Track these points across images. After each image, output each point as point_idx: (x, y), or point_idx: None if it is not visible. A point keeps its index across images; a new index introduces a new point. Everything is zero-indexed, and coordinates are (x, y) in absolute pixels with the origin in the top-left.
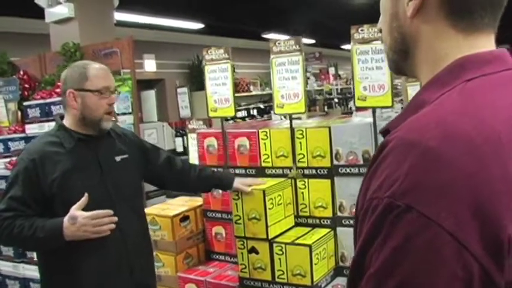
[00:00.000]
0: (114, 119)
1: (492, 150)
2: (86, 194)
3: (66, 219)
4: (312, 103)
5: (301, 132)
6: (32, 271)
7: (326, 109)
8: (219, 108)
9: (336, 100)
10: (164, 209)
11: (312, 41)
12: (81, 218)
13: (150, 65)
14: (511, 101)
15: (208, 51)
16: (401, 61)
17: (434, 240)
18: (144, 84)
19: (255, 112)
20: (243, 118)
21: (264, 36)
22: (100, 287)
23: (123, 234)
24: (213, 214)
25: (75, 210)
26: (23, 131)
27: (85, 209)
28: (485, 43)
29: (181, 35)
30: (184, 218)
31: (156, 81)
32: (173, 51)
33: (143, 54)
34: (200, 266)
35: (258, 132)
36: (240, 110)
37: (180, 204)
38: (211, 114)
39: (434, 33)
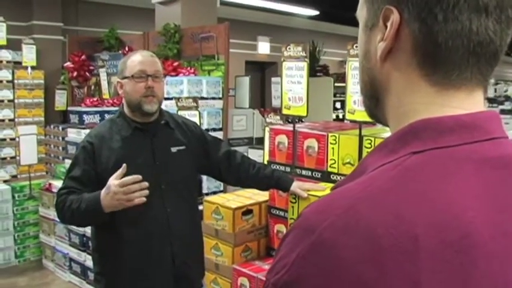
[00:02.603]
0: (156, 102)
1: (399, 258)
2: (124, 165)
3: (103, 189)
4: None
5: (369, 141)
6: None
7: None
8: (292, 107)
9: None
10: (229, 200)
11: None
12: (113, 186)
13: (263, 47)
14: (455, 188)
15: (287, 48)
16: (373, 108)
17: None
18: (257, 66)
19: None
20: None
21: None
22: (142, 273)
23: (169, 223)
24: (277, 211)
25: (111, 180)
26: (120, 105)
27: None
28: (463, 102)
29: (298, 19)
30: (248, 211)
31: (268, 64)
32: (288, 35)
33: (257, 36)
34: (257, 261)
35: (328, 135)
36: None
37: (248, 196)
38: (285, 111)
39: (405, 83)
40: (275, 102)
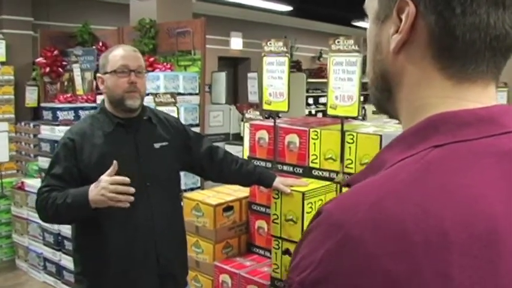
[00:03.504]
0: (138, 98)
1: (430, 253)
2: (115, 162)
3: (93, 183)
4: None
5: (351, 137)
6: None
7: None
8: (273, 102)
9: None
10: (209, 196)
11: None
12: (103, 181)
13: (236, 43)
14: (477, 182)
15: (268, 43)
16: (384, 100)
17: None
18: (230, 62)
19: None
20: (324, 104)
21: (354, 23)
22: (126, 272)
23: (154, 220)
24: (258, 207)
25: (104, 175)
26: (94, 101)
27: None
28: (479, 95)
29: (271, 15)
30: (228, 208)
31: (242, 59)
32: (262, 31)
33: (230, 32)
34: (239, 258)
35: (309, 130)
36: (322, 96)
37: (228, 192)
38: (265, 106)
39: (419, 75)
40: (252, 98)
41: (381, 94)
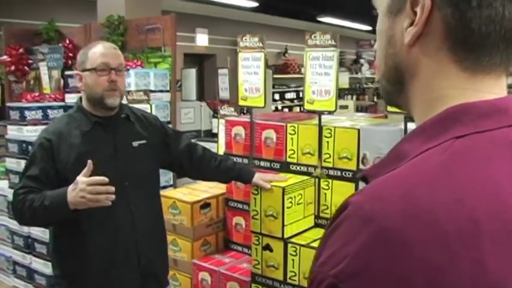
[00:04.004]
0: (118, 96)
1: (464, 241)
2: (90, 161)
3: (71, 185)
4: (361, 92)
5: (329, 131)
6: None
7: (375, 99)
8: (249, 98)
9: None
10: (186, 194)
11: (368, 28)
12: (80, 183)
13: (201, 39)
14: (500, 172)
15: (243, 38)
16: (395, 93)
17: None
18: (195, 58)
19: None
20: (291, 100)
21: (319, 19)
22: (108, 273)
23: (134, 220)
24: (235, 204)
25: (79, 177)
26: (63, 100)
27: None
28: (493, 87)
29: (236, 11)
30: (205, 205)
31: (207, 56)
32: (227, 27)
33: (196, 28)
34: (217, 255)
35: (286, 126)
36: (288, 92)
37: (204, 190)
38: (241, 102)
39: (435, 68)
40: (223, 94)
41: (393, 87)
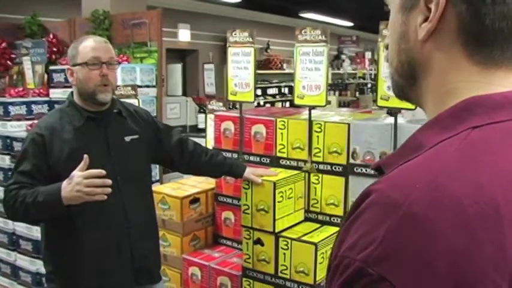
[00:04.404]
0: (110, 91)
1: (487, 226)
2: (86, 156)
3: (65, 180)
4: (343, 87)
5: (319, 126)
6: None
7: (358, 94)
8: (239, 93)
9: (369, 85)
10: (175, 189)
11: (350, 24)
12: (76, 177)
13: (184, 34)
14: None
15: (233, 33)
16: (407, 87)
17: None
18: (177, 54)
19: (286, 90)
20: (273, 95)
21: (301, 15)
22: (100, 269)
23: (127, 215)
24: (224, 199)
25: (75, 171)
26: (47, 95)
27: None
28: (503, 80)
29: (218, 6)
30: (195, 200)
31: (189, 51)
32: (209, 23)
33: (178, 24)
34: (206, 250)
35: (276, 120)
36: (271, 87)
37: (193, 184)
38: (231, 97)
39: (448, 62)
40: (208, 89)
41: (405, 81)
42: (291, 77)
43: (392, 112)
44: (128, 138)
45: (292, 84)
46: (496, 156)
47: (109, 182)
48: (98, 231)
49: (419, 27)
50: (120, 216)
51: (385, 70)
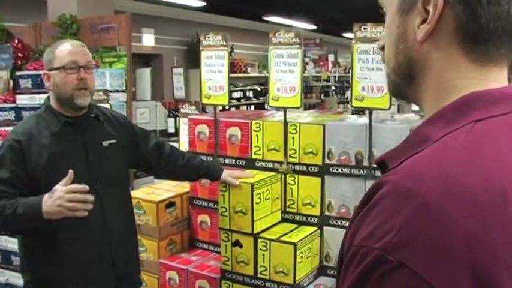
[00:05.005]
0: (88, 95)
1: (496, 212)
2: (71, 171)
3: (46, 194)
4: (308, 90)
5: (294, 127)
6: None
7: (322, 97)
8: (213, 96)
9: (333, 88)
10: (150, 193)
11: (313, 27)
12: (58, 191)
13: (148, 39)
14: None
15: (206, 37)
16: (405, 86)
17: None
18: (142, 59)
19: (251, 94)
20: (238, 99)
21: (265, 18)
22: (82, 277)
23: (106, 222)
24: (200, 202)
25: (58, 185)
26: (14, 101)
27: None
28: (497, 76)
29: (182, 11)
30: (170, 204)
31: (153, 56)
32: (173, 27)
33: (142, 28)
34: (183, 254)
35: (251, 123)
36: (235, 91)
37: (167, 189)
38: (205, 100)
39: (446, 61)
40: (178, 94)
41: (402, 80)
42: (255, 80)
43: (368, 112)
44: (105, 143)
45: (257, 88)
46: (499, 147)
47: (91, 198)
48: (78, 239)
49: (418, 28)
50: (100, 222)
51: (359, 72)
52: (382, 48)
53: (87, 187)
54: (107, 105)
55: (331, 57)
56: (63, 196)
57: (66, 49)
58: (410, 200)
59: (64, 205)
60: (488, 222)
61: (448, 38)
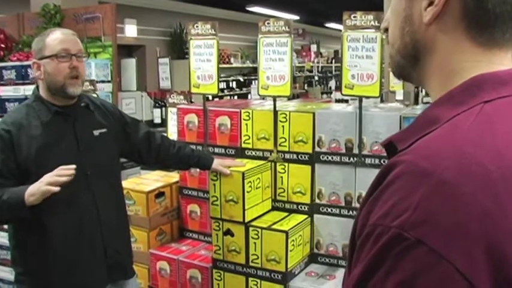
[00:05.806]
0: (80, 84)
1: (508, 188)
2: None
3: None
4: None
5: (284, 116)
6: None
7: (306, 87)
8: (202, 85)
9: (316, 78)
10: (139, 184)
11: (296, 17)
12: (46, 176)
13: (131, 30)
14: None
15: (195, 26)
16: (410, 67)
17: (443, 278)
18: (124, 49)
19: (234, 84)
20: (221, 89)
21: (248, 8)
22: (74, 266)
23: (98, 211)
24: (189, 192)
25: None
26: None
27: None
28: (503, 59)
29: (165, 1)
30: (160, 194)
31: (136, 47)
32: (156, 18)
33: (125, 19)
34: (173, 244)
35: (241, 112)
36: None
37: (156, 179)
38: (194, 90)
39: (452, 44)
40: (163, 84)
41: (407, 62)
42: (238, 71)
43: (358, 100)
44: (96, 132)
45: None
46: (510, 126)
47: (73, 172)
48: (69, 228)
49: (424, 11)
50: (92, 211)
51: (349, 59)
52: (386, 30)
53: (74, 166)
54: (94, 96)
55: (313, 47)
56: (48, 176)
57: (57, 37)
58: (427, 178)
59: (44, 180)
60: (501, 199)
61: (454, 22)
